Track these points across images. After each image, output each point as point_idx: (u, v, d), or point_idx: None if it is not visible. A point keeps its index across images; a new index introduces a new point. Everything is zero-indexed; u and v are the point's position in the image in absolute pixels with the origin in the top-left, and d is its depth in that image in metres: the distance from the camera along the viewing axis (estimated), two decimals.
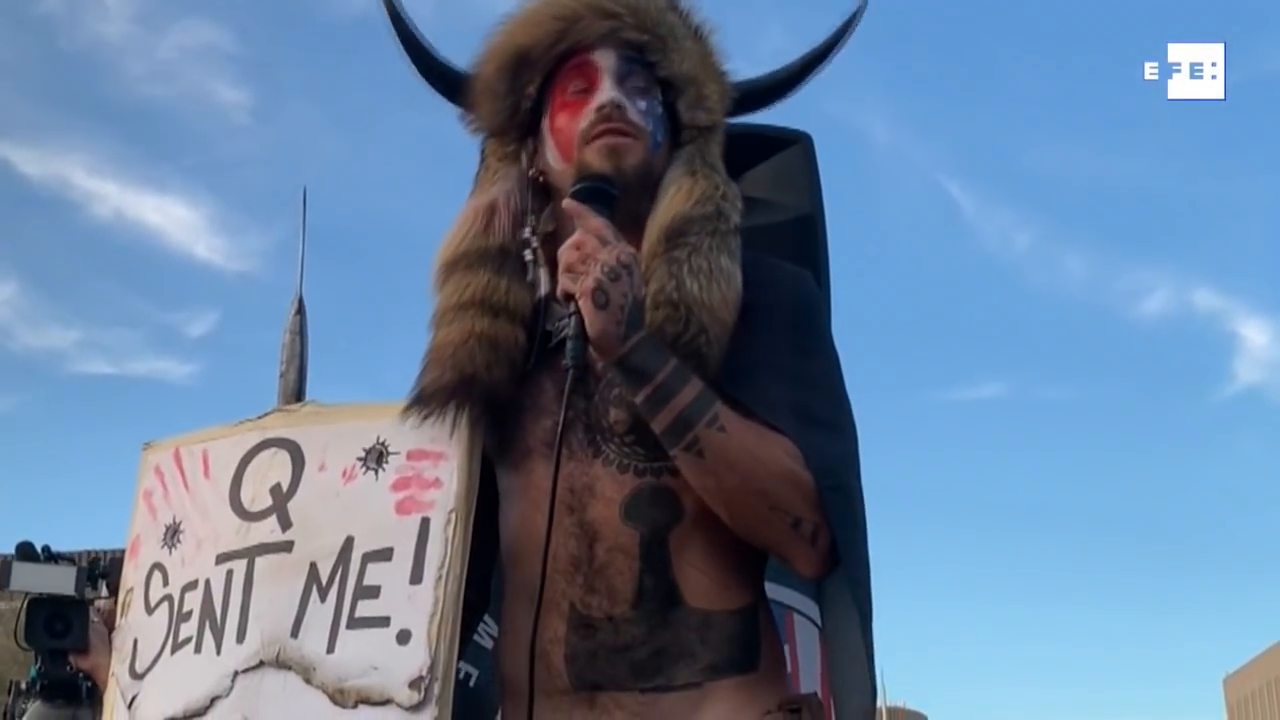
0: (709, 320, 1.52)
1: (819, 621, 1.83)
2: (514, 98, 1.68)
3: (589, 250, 1.46)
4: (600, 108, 1.61)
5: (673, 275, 1.53)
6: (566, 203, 1.54)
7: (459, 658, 1.50)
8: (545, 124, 1.67)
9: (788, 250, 1.69)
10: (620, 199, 1.56)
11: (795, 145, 2.42)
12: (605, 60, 1.64)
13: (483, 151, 1.74)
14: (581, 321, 1.45)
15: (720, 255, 1.56)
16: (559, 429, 1.47)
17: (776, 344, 1.57)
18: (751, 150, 2.22)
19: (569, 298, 1.46)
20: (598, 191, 1.55)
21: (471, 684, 2.13)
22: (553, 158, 1.66)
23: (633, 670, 1.51)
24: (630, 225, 1.56)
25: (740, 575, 1.57)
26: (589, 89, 1.64)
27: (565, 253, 1.48)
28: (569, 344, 1.46)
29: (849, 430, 1.59)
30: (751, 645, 1.56)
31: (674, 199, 1.59)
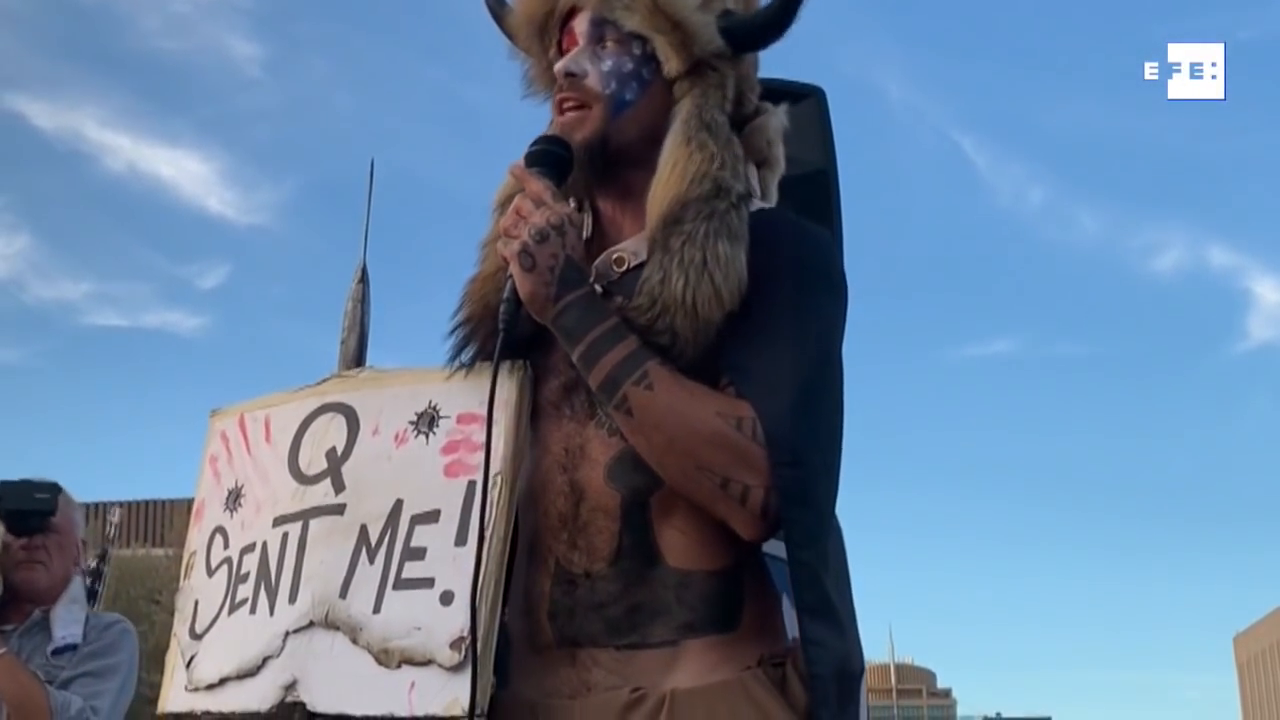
0: (682, 323, 1.48)
1: None
2: (545, 59, 1.71)
3: (524, 213, 1.50)
4: (556, 77, 1.63)
5: (662, 267, 1.50)
6: (511, 166, 1.58)
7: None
8: None
9: (800, 205, 1.66)
10: (593, 167, 1.58)
11: (808, 99, 2.40)
12: (580, 24, 1.64)
13: None
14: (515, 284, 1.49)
15: (718, 241, 1.50)
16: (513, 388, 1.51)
17: (765, 307, 1.52)
18: None
19: (505, 261, 1.50)
20: (547, 154, 1.57)
21: None
22: None
23: (608, 627, 1.52)
24: (624, 194, 1.61)
25: (724, 535, 1.52)
26: None
27: (505, 217, 1.52)
28: (501, 306, 1.50)
29: (825, 393, 1.52)
30: (732, 605, 1.53)
31: (670, 179, 1.55)
